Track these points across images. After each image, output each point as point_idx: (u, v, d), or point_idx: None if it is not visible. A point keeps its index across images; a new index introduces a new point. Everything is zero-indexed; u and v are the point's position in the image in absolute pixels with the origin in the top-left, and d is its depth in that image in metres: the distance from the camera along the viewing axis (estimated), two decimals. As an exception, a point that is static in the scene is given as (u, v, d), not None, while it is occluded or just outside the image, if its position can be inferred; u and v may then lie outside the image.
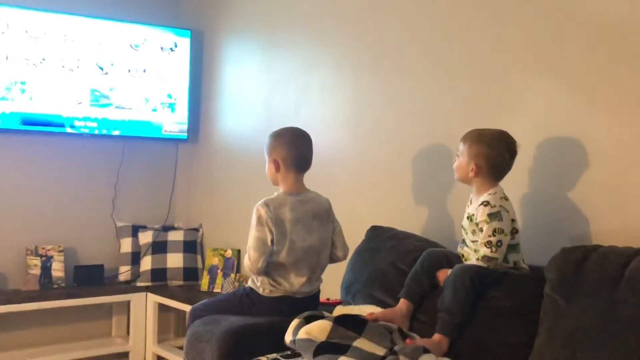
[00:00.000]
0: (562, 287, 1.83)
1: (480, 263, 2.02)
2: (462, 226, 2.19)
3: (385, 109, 2.88)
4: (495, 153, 2.06)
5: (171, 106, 3.87)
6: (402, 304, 2.15)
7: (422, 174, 2.71)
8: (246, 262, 2.37)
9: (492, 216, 2.02)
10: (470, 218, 2.11)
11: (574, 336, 1.72)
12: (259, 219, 2.33)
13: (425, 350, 1.81)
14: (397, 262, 2.35)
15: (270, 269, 2.35)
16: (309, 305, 2.35)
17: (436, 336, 1.97)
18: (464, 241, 2.19)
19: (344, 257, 2.54)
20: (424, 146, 2.70)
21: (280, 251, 2.33)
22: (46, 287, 3.51)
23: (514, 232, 2.06)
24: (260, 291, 2.37)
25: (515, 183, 2.30)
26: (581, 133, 2.18)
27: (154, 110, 3.82)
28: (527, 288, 1.98)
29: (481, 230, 2.04)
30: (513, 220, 2.07)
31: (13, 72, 3.38)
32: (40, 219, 3.64)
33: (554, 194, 2.25)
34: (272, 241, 2.32)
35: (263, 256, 2.31)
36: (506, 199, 2.09)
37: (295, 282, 2.36)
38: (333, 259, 2.51)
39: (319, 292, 2.49)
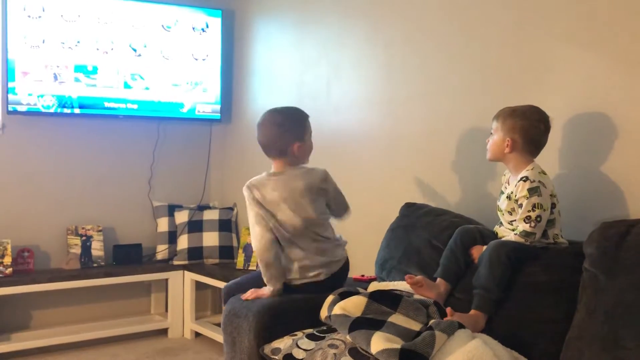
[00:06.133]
0: (602, 261, 1.79)
1: (518, 239, 2.00)
2: (498, 207, 2.16)
3: (418, 85, 2.84)
4: (529, 124, 2.04)
5: (204, 87, 3.90)
6: (440, 283, 2.14)
7: (456, 150, 2.68)
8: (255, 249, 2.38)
9: (531, 191, 1.99)
10: (509, 197, 2.08)
11: (615, 312, 1.69)
12: (247, 200, 2.39)
13: (461, 326, 1.80)
14: (432, 239, 2.34)
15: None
16: (336, 284, 2.30)
17: (472, 312, 1.96)
18: (501, 223, 2.17)
19: (345, 213, 2.47)
20: (457, 122, 2.66)
21: (273, 230, 2.32)
22: (87, 266, 3.61)
23: (553, 206, 2.03)
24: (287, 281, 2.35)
25: (552, 157, 2.25)
26: (619, 108, 2.11)
27: (187, 91, 3.85)
28: (565, 263, 1.95)
29: (520, 206, 2.02)
30: (552, 195, 2.03)
31: (49, 56, 3.44)
32: (80, 200, 3.73)
33: (593, 169, 2.20)
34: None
35: (267, 242, 2.30)
36: (544, 173, 2.06)
37: (300, 256, 2.32)
38: (337, 218, 2.46)
39: (345, 271, 2.43)
